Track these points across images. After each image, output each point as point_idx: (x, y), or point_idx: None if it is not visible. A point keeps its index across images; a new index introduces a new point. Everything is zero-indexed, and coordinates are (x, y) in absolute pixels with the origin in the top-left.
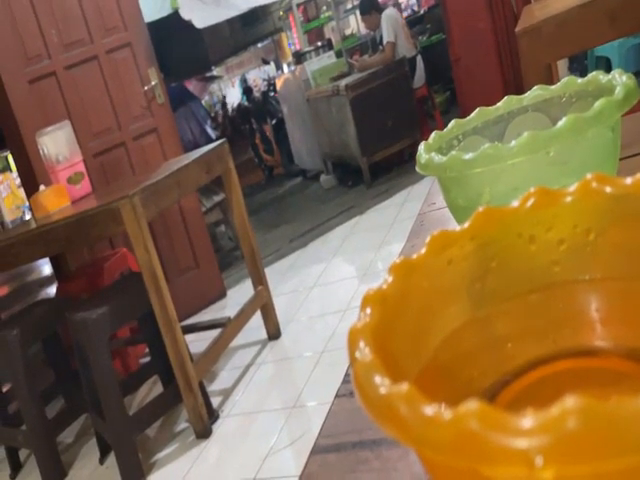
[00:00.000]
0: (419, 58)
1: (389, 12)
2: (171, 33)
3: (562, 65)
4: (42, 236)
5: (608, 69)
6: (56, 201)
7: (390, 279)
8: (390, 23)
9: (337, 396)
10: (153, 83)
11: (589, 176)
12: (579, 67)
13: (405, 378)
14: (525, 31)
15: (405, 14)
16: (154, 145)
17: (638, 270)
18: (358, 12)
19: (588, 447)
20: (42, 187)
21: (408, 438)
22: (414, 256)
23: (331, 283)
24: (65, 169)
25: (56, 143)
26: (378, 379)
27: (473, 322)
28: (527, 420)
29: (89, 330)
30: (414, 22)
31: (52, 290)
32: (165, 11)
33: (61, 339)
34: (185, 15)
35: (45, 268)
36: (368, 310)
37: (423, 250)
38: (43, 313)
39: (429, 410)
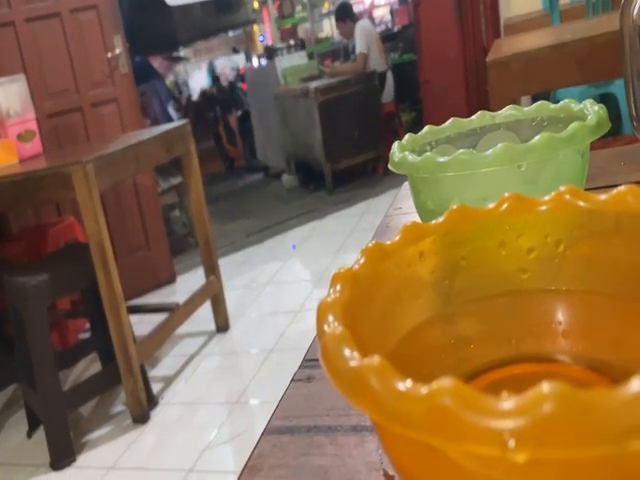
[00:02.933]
0: (389, 74)
1: (363, 23)
2: (141, 4)
3: (525, 102)
4: None
5: None
6: (3, 157)
7: (362, 260)
8: (364, 34)
9: (293, 380)
10: (118, 51)
11: (562, 188)
12: None
13: None
14: (495, 62)
15: (379, 29)
16: (113, 115)
17: (602, 285)
18: (333, 17)
19: (562, 433)
20: None
21: (378, 412)
22: (387, 242)
23: (285, 283)
24: (16, 124)
25: (8, 96)
26: (348, 352)
27: (438, 318)
28: (503, 401)
29: (27, 296)
30: (387, 38)
31: None
32: None
33: None
34: None
35: None
36: (338, 287)
37: (396, 238)
38: None
39: (402, 385)
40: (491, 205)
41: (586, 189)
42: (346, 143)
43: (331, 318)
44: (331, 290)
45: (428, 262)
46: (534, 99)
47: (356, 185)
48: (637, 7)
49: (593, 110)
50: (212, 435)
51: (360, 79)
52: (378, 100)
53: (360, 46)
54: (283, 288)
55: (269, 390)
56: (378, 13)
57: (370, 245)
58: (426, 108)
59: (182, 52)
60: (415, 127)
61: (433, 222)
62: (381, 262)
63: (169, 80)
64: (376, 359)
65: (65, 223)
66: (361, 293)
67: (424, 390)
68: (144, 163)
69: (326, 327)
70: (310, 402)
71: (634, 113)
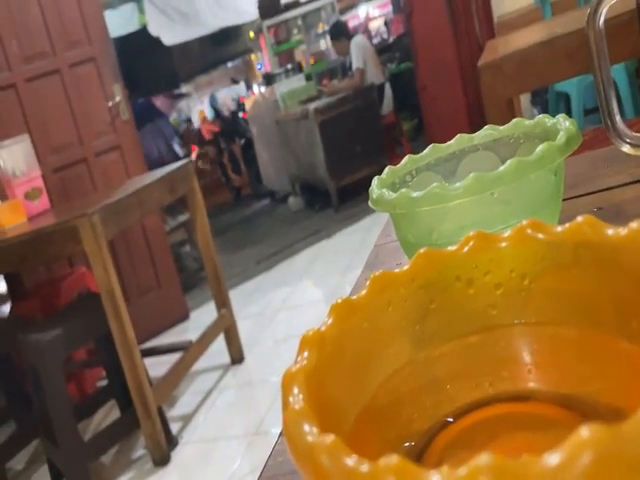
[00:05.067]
0: (387, 85)
1: (357, 39)
2: (139, 48)
3: (525, 98)
4: None
5: (568, 104)
6: (12, 217)
7: (330, 320)
8: (359, 50)
9: (282, 435)
10: (117, 99)
11: (524, 222)
12: (541, 100)
13: (343, 421)
14: (487, 66)
15: (375, 41)
16: (117, 162)
17: (568, 316)
18: (328, 37)
19: None
20: None
21: None
22: (355, 297)
23: (297, 306)
24: (22, 184)
25: (13, 157)
26: (307, 428)
27: (413, 363)
28: (439, 477)
29: (42, 353)
30: (383, 50)
31: (6, 309)
32: (133, 26)
33: (14, 361)
34: (153, 31)
35: None
36: (305, 353)
37: (364, 291)
38: None
39: (350, 462)
40: (454, 246)
41: (570, 198)
42: (349, 159)
43: (296, 390)
44: (298, 357)
45: (398, 310)
46: (533, 94)
47: (362, 199)
48: (602, 17)
49: (564, 126)
50: (233, 469)
51: (358, 94)
52: (377, 113)
53: (356, 62)
54: (296, 312)
55: None
56: (374, 25)
57: (338, 302)
58: (425, 114)
59: (183, 88)
60: (417, 134)
61: (398, 270)
62: (350, 318)
63: (172, 118)
64: (329, 437)
65: (77, 274)
66: (330, 354)
67: (367, 468)
68: (149, 207)
69: (291, 399)
70: None
71: (608, 122)
